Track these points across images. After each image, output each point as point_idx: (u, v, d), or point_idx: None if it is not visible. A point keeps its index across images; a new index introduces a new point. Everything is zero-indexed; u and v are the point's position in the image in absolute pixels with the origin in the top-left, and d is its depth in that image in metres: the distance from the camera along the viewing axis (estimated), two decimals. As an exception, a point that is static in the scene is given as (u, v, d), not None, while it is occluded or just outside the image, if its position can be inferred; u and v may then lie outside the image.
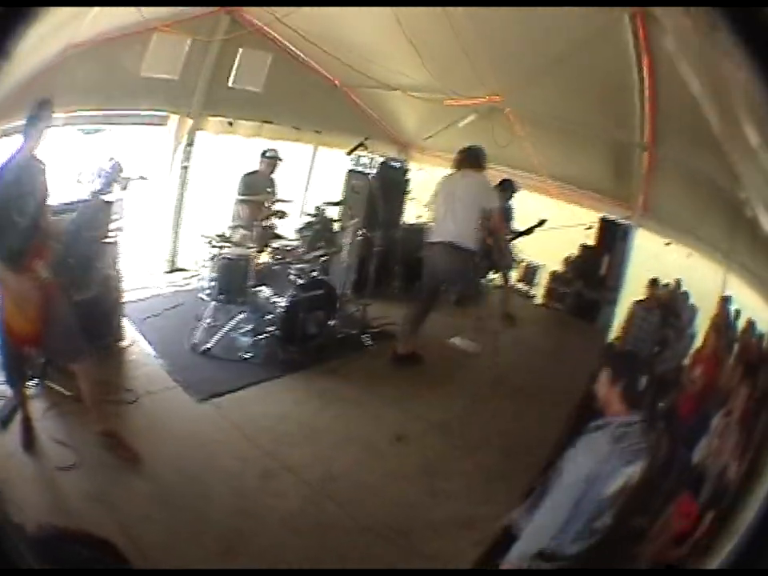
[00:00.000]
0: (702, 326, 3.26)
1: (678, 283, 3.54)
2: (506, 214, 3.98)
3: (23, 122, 2.72)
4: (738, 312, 2.99)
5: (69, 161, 3.23)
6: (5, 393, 2.89)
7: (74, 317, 2.93)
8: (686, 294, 3.50)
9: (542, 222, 3.86)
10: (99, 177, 3.17)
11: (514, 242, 4.09)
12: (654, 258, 3.83)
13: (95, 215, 3.22)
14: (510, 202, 4.00)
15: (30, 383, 3.05)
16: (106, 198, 3.24)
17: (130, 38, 3.44)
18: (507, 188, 3.91)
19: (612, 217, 3.97)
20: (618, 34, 3.20)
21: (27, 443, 2.80)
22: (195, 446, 3.06)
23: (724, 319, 3.13)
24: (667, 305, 3.56)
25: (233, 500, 2.82)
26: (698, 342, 3.22)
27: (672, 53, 2.54)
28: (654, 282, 3.61)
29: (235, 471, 2.97)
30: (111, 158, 3.20)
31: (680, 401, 3.16)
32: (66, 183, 3.17)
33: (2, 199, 2.68)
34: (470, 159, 3.70)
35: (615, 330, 3.73)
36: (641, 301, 3.64)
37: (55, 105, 2.78)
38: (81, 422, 2.97)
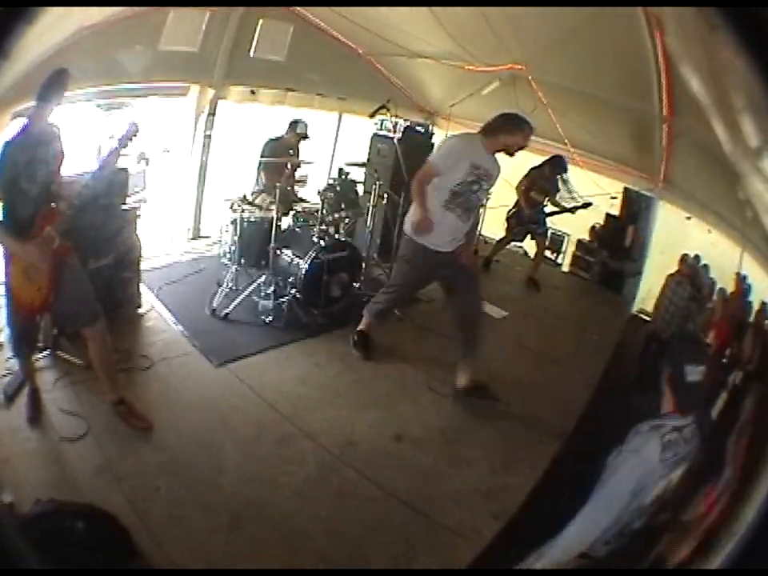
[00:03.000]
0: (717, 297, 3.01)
1: (698, 257, 3.29)
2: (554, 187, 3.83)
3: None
4: (749, 287, 2.69)
5: (88, 139, 2.96)
6: (12, 368, 2.65)
7: (89, 281, 2.64)
8: (706, 268, 3.24)
9: (586, 205, 3.66)
10: (115, 139, 2.83)
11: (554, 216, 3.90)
12: (676, 232, 3.56)
13: (110, 181, 2.89)
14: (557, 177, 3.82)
15: (40, 355, 2.80)
16: (122, 165, 2.93)
17: (147, 16, 3.20)
18: (557, 164, 3.74)
19: (635, 188, 3.70)
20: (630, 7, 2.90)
21: (33, 416, 2.52)
22: (210, 412, 2.74)
23: (739, 295, 2.80)
24: (692, 279, 3.29)
25: (246, 467, 2.48)
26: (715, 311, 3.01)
27: (674, 52, 2.37)
28: (683, 257, 3.32)
29: (251, 437, 2.63)
30: (129, 122, 2.86)
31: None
32: (83, 159, 2.86)
33: (11, 170, 2.38)
34: None
35: (641, 302, 3.46)
36: (672, 274, 3.35)
37: (71, 83, 2.46)
38: (91, 391, 2.67)
